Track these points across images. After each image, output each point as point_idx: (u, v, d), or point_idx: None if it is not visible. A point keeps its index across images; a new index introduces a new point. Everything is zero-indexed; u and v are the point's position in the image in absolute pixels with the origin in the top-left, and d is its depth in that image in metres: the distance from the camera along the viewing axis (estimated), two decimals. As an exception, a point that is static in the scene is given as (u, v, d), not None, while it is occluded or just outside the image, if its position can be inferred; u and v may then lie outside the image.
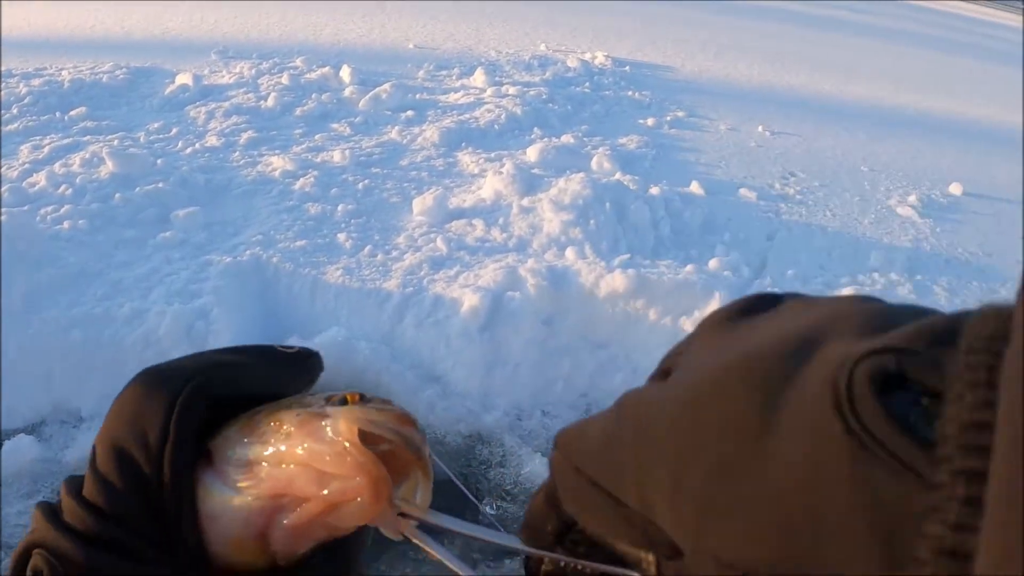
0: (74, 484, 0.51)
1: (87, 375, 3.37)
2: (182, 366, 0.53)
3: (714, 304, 3.87)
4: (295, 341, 3.50)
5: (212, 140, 5.49)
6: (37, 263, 3.73)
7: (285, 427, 0.50)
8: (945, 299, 4.61)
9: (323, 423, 0.49)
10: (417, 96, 6.91)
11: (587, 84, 8.10)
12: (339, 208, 4.62)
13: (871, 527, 0.27)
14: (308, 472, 0.49)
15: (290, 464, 0.49)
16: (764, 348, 0.33)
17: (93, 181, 4.57)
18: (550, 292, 3.86)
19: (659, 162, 6.18)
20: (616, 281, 3.89)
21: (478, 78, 7.64)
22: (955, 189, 6.58)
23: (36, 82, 6.20)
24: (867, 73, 10.69)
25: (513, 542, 0.47)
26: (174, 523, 0.49)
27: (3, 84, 6.07)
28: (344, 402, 0.51)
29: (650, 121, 7.18)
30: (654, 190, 5.14)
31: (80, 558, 0.48)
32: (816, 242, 5.16)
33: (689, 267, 4.17)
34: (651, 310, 3.88)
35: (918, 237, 5.57)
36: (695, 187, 5.55)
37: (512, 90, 7.30)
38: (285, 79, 6.83)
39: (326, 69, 7.11)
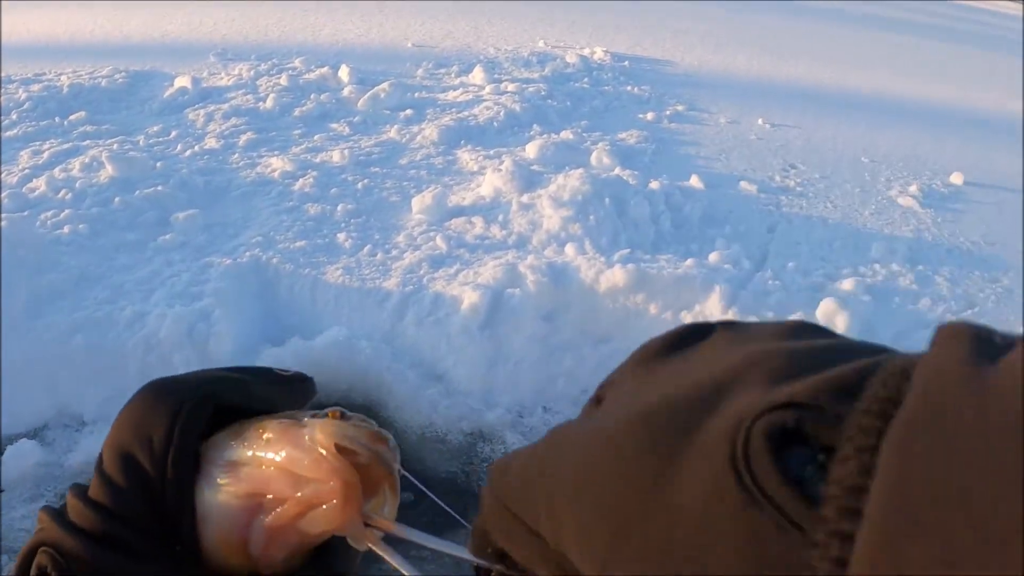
0: (80, 487, 0.54)
1: (89, 379, 3.38)
2: (187, 378, 0.56)
3: (715, 297, 3.87)
4: (296, 341, 3.52)
5: (211, 142, 5.50)
6: (38, 268, 3.74)
7: (268, 434, 0.53)
8: (947, 289, 4.60)
9: (303, 432, 0.53)
10: (416, 95, 6.91)
11: (586, 80, 8.09)
12: (339, 208, 4.62)
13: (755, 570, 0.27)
14: (285, 475, 0.52)
15: (269, 467, 0.52)
16: (671, 399, 0.34)
17: (93, 185, 4.58)
18: (550, 288, 3.86)
19: (659, 156, 6.18)
20: (616, 276, 3.89)
21: (477, 76, 7.64)
22: (956, 179, 6.56)
23: (35, 88, 6.22)
24: (867, 64, 10.67)
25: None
26: (175, 523, 0.51)
27: (3, 90, 6.09)
28: (326, 417, 0.55)
29: (649, 115, 7.17)
30: (654, 184, 5.14)
31: (85, 555, 0.50)
32: (817, 234, 5.15)
33: (689, 261, 4.17)
34: (652, 304, 3.88)
35: (919, 227, 5.56)
36: (695, 181, 5.54)
37: (511, 87, 7.29)
38: (284, 80, 6.84)
39: (324, 69, 7.11)
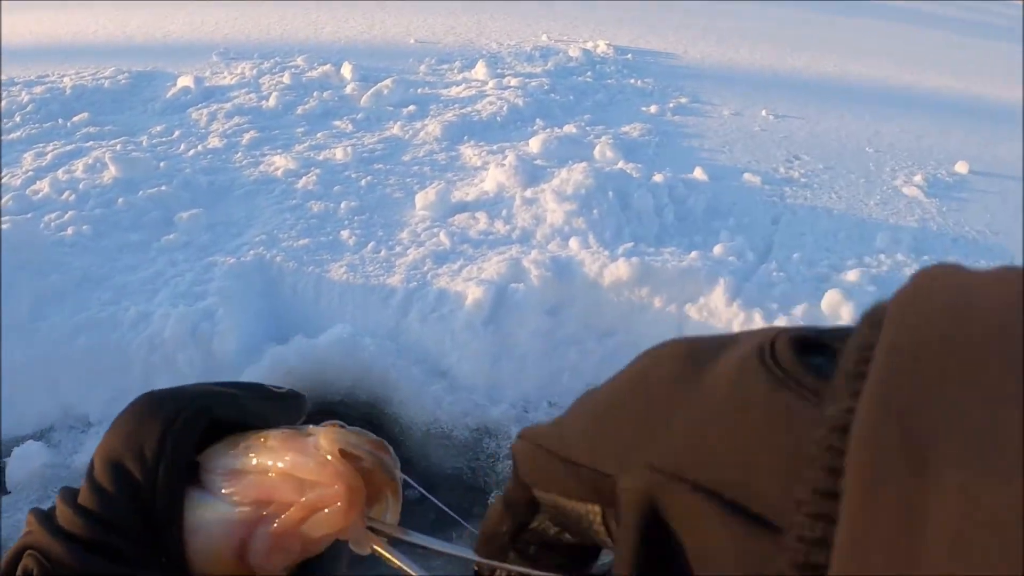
0: (69, 493, 0.54)
1: (94, 380, 3.39)
2: (181, 391, 0.56)
3: (719, 290, 3.86)
4: (300, 339, 3.52)
5: (214, 141, 5.50)
6: (42, 270, 3.75)
7: (270, 442, 0.54)
8: (953, 278, 4.57)
9: (307, 439, 0.54)
10: (419, 91, 6.90)
11: (589, 73, 8.07)
12: (342, 205, 4.62)
13: (783, 437, 0.33)
14: (289, 480, 0.52)
15: (273, 473, 0.53)
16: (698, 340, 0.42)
17: (96, 186, 4.59)
18: (554, 283, 3.86)
19: (662, 149, 6.16)
20: (620, 269, 3.88)
21: (479, 71, 7.62)
22: (961, 168, 6.52)
23: (38, 89, 6.23)
24: (870, 54, 10.62)
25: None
26: (163, 532, 0.51)
27: (5, 93, 6.10)
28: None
29: (653, 108, 7.15)
30: (657, 177, 5.12)
31: (70, 560, 0.50)
32: (822, 225, 5.13)
33: (693, 253, 4.15)
34: (656, 297, 3.87)
35: (924, 217, 5.53)
36: (699, 173, 5.52)
37: (514, 82, 7.28)
38: (286, 78, 6.84)
39: (327, 67, 7.11)
